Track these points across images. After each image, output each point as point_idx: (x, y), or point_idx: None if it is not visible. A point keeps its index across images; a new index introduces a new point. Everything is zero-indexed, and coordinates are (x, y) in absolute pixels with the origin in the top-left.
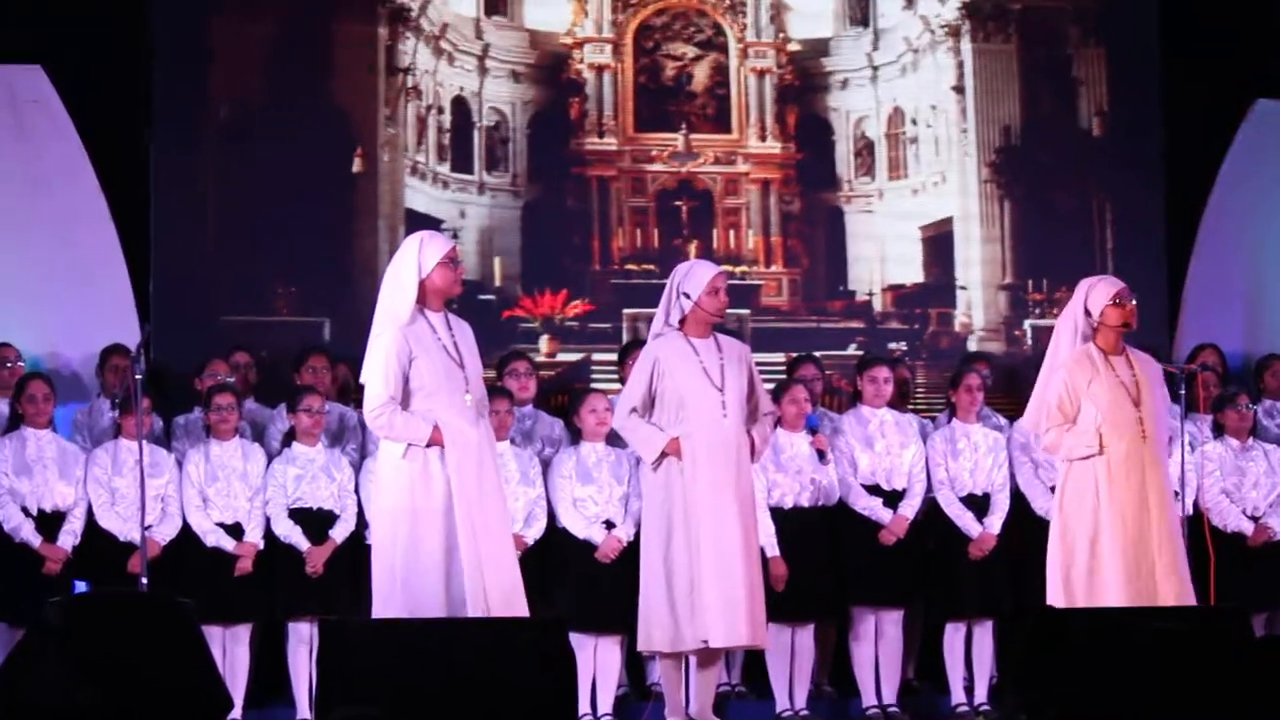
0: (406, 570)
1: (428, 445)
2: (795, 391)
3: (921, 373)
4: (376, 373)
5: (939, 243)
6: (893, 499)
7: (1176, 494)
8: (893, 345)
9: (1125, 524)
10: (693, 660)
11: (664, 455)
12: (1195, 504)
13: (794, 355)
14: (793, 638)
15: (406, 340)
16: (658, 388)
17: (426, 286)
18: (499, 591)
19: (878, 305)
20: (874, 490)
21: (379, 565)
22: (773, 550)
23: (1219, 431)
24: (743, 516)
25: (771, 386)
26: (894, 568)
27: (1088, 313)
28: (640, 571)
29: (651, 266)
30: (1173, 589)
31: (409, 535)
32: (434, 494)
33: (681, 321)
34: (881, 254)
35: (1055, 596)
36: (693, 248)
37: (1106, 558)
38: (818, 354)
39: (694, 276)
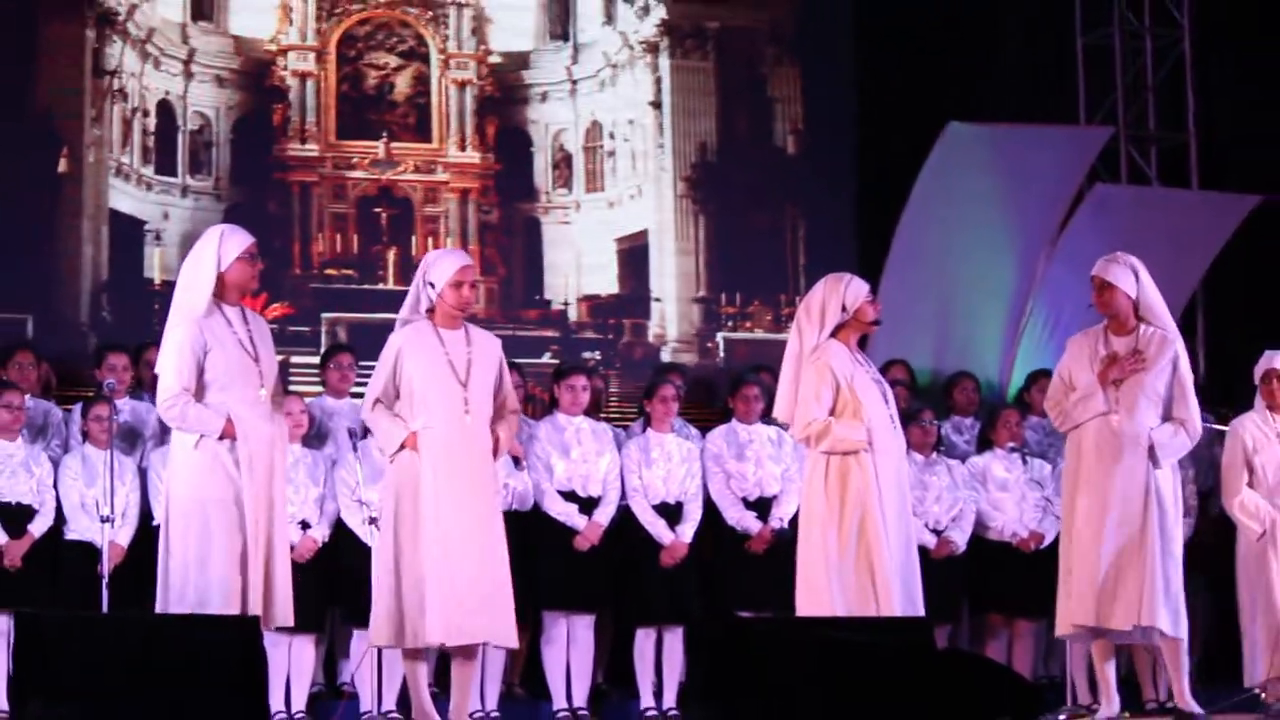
0: (199, 560)
1: (220, 438)
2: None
3: (615, 383)
4: (170, 364)
5: (634, 255)
6: (588, 505)
7: None
8: (587, 354)
9: (893, 524)
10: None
11: (403, 448)
12: None
13: None
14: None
15: (202, 333)
16: (401, 378)
17: (225, 280)
18: (282, 590)
19: (573, 315)
20: (569, 496)
21: (174, 555)
22: None
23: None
24: (482, 515)
25: None
26: (586, 573)
27: (844, 308)
28: (372, 566)
29: (351, 272)
30: (919, 592)
31: (201, 524)
32: (224, 485)
33: (430, 311)
34: (577, 264)
35: (815, 596)
36: (392, 255)
37: (879, 558)
38: (517, 360)
39: (439, 266)
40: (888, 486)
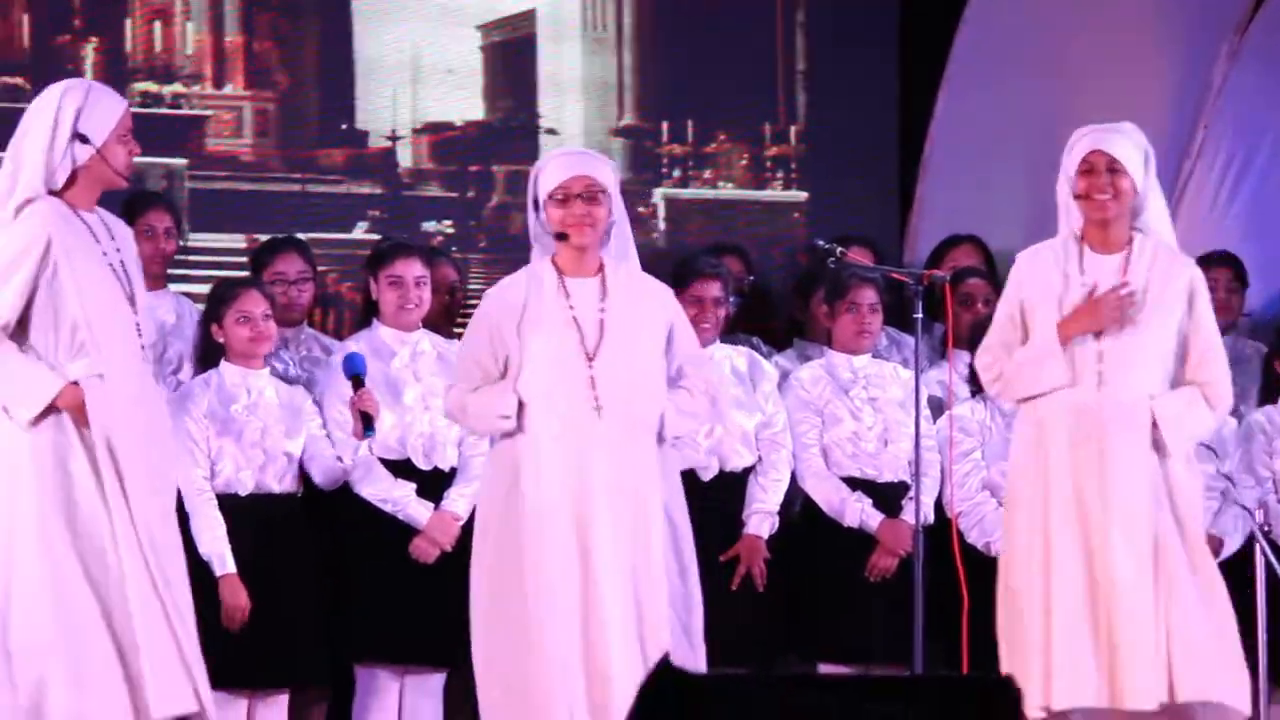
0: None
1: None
2: (247, 301)
3: (478, 273)
4: None
5: (512, 53)
6: (434, 484)
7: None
8: (429, 225)
9: (563, 541)
10: None
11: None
12: (939, 504)
13: (264, 239)
14: None
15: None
16: (41, 293)
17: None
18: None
19: (406, 158)
20: (401, 469)
21: None
22: None
23: (980, 385)
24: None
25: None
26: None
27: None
28: None
29: (18, 80)
30: (629, 658)
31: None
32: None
33: (71, 181)
34: (414, 71)
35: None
36: (90, 51)
37: (534, 608)
38: (305, 236)
39: (102, 107)
40: (553, 483)
